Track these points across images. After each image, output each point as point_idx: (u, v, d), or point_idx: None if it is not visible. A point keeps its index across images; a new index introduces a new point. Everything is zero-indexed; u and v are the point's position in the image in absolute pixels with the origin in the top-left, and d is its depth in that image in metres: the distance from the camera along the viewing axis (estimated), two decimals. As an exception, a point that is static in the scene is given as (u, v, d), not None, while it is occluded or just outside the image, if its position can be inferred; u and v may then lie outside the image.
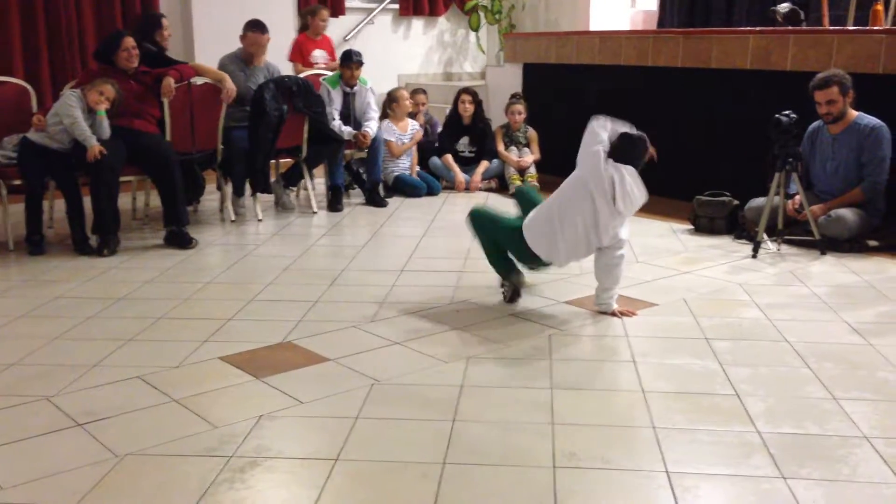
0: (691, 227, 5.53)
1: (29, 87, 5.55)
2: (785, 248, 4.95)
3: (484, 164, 7.01)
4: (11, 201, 5.17)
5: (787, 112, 4.83)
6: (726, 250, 5.01)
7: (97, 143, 4.87)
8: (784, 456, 2.54)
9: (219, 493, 2.35)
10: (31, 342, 3.53)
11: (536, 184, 6.77)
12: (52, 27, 6.91)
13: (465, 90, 7.15)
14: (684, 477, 2.42)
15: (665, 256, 4.90)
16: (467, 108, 7.02)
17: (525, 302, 4.06)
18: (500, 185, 6.98)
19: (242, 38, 6.13)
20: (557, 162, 7.14)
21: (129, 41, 5.24)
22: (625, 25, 8.57)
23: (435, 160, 7.07)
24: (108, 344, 3.50)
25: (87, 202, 5.03)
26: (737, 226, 5.31)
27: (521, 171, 6.87)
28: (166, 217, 5.24)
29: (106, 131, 4.99)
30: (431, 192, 6.80)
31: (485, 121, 7.19)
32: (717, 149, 6.12)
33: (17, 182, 5.11)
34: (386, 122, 6.86)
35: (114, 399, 2.97)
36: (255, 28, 6.10)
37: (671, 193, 6.24)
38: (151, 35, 5.84)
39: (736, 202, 5.41)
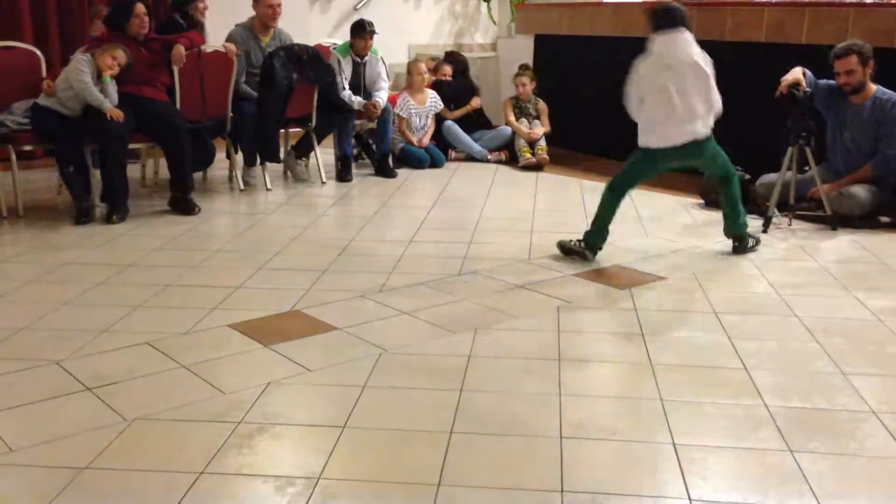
0: (702, 201, 5.49)
1: (38, 52, 5.52)
2: (796, 223, 4.92)
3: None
4: (21, 167, 5.17)
5: (801, 86, 4.77)
6: (737, 225, 4.98)
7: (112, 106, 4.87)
8: (791, 429, 2.54)
9: (226, 458, 2.37)
10: (41, 307, 3.54)
11: (546, 156, 6.73)
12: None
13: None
14: (691, 449, 2.42)
15: (674, 230, 4.87)
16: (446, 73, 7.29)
17: (534, 274, 4.05)
18: (510, 156, 6.94)
19: (255, 4, 6.07)
20: (568, 134, 7.12)
21: (141, 7, 5.20)
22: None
23: (449, 124, 7.04)
24: (118, 310, 3.52)
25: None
26: (748, 200, 5.25)
27: (532, 144, 6.83)
28: (172, 183, 5.27)
29: (113, 98, 4.98)
30: (434, 164, 6.77)
31: (459, 76, 7.29)
32: (730, 122, 6.04)
33: (28, 147, 5.11)
34: (403, 95, 6.82)
35: (123, 364, 2.98)
36: None
37: (683, 168, 6.20)
38: (184, 7, 5.81)
39: (747, 177, 5.36)
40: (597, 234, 4.23)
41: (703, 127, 4.10)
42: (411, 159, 6.74)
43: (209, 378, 2.88)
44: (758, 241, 4.39)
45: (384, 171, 6.46)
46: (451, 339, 3.24)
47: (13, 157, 5.04)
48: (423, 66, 6.96)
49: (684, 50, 4.01)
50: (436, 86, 7.12)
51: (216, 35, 6.83)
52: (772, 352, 3.14)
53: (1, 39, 5.98)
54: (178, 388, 2.81)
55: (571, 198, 5.73)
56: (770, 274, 4.06)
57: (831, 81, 4.98)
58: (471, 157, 7.02)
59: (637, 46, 6.60)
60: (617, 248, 4.47)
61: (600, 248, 4.24)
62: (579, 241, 4.24)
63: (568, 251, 4.25)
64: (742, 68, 5.97)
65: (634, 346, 3.20)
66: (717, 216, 5.18)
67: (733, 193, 4.31)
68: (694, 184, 5.66)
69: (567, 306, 3.62)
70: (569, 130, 7.12)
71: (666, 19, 4.02)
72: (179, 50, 5.30)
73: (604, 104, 7.09)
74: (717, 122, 6.06)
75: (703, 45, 6.14)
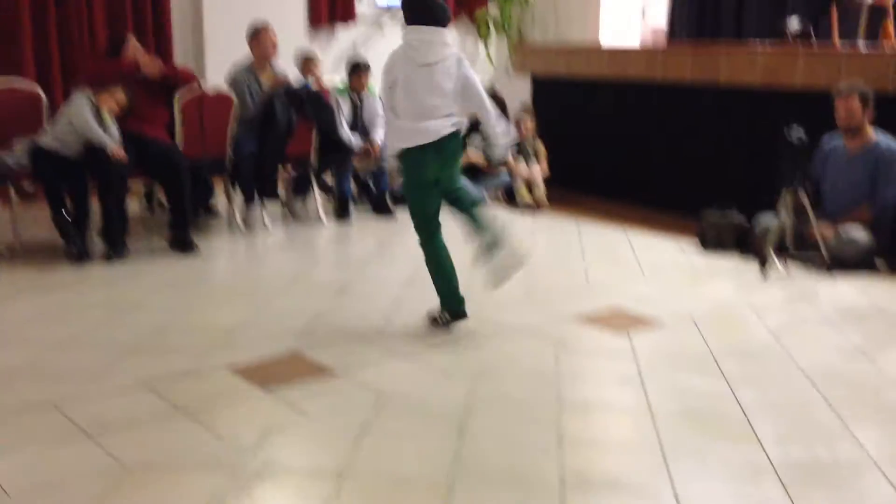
0: (698, 243, 5.51)
1: (40, 90, 5.56)
2: (793, 267, 4.93)
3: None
4: (20, 206, 5.17)
5: (796, 129, 4.83)
6: (734, 268, 5.00)
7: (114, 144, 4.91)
8: (792, 479, 2.53)
9: (226, 506, 2.35)
10: (40, 347, 3.53)
11: (544, 197, 6.77)
12: (62, 27, 6.90)
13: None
14: (692, 499, 2.41)
15: (671, 273, 4.89)
16: None
17: (532, 316, 4.05)
18: (507, 197, 6.97)
19: (252, 41, 6.09)
20: (566, 175, 7.17)
21: (133, 40, 5.30)
22: (635, 39, 8.58)
23: None
24: (116, 351, 3.50)
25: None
26: (745, 243, 5.29)
27: (530, 185, 6.87)
28: (172, 222, 5.27)
29: (114, 135, 5.01)
30: None
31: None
32: (726, 164, 6.11)
33: (27, 186, 5.12)
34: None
35: (121, 408, 2.97)
36: (265, 28, 6.06)
37: (678, 209, 6.25)
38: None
39: (744, 219, 5.40)
40: (448, 296, 3.90)
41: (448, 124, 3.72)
42: (409, 198, 6.75)
43: (207, 423, 2.86)
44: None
45: (382, 209, 6.49)
46: (451, 384, 3.24)
47: (13, 195, 5.05)
48: None
49: (429, 46, 3.68)
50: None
51: (215, 74, 6.91)
52: (772, 399, 3.14)
53: (3, 74, 6.05)
54: (177, 434, 2.79)
55: (570, 239, 5.75)
56: (769, 319, 4.06)
57: (828, 141, 5.07)
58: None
59: (633, 89, 6.75)
60: (615, 291, 4.48)
61: (462, 309, 3.89)
62: (442, 312, 3.91)
63: (435, 323, 3.91)
64: (737, 111, 6.05)
65: (634, 391, 3.20)
66: (714, 258, 5.22)
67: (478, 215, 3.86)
68: (691, 227, 5.69)
69: (565, 349, 3.62)
70: (567, 171, 7.16)
71: (413, 12, 3.69)
72: (149, 60, 5.35)
73: (602, 145, 7.17)
74: (713, 164, 6.15)
75: (699, 87, 6.28)
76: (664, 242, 5.65)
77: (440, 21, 3.71)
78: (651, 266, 5.03)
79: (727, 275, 4.87)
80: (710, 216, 5.48)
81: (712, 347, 3.66)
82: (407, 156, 3.76)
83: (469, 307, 4.18)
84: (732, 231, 5.37)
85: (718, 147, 6.21)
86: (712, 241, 5.43)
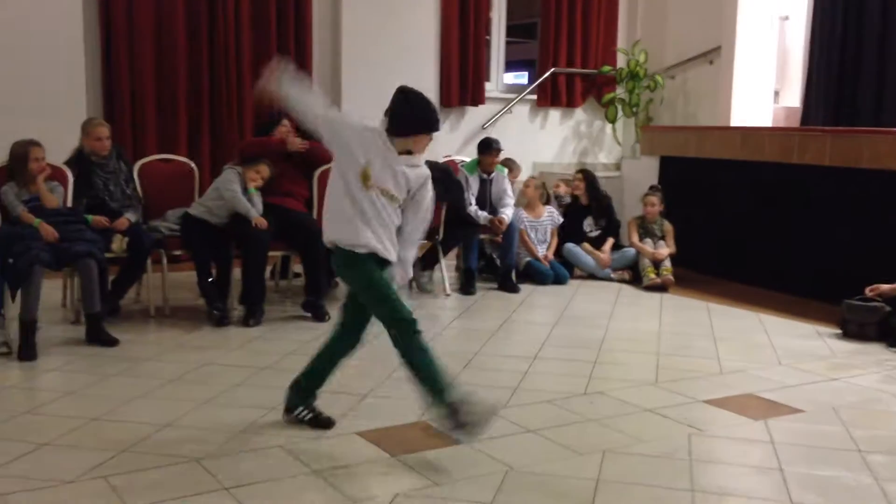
0: (839, 331, 5.27)
1: (193, 164, 5.97)
2: (944, 358, 4.65)
3: (610, 241, 7.07)
4: (170, 270, 5.51)
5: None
6: (878, 358, 4.75)
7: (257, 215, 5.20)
8: (954, 586, 2.35)
9: (357, 569, 2.38)
10: (183, 405, 3.71)
11: (671, 277, 6.66)
12: (213, 109, 7.40)
13: (576, 173, 7.42)
14: None
15: (811, 361, 4.68)
16: (578, 187, 7.25)
17: (662, 398, 3.96)
18: (634, 276, 6.90)
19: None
20: (694, 256, 7.04)
21: (286, 121, 5.64)
22: (766, 121, 8.43)
23: (569, 246, 7.09)
24: (253, 411, 3.64)
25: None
26: (890, 333, 5.03)
27: (656, 264, 6.78)
28: (307, 287, 5.51)
29: (258, 207, 5.31)
30: (559, 280, 6.79)
31: (601, 196, 7.24)
32: (868, 251, 5.86)
33: (177, 252, 5.46)
34: (518, 209, 6.97)
35: (258, 466, 3.07)
36: None
37: (817, 295, 6.02)
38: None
39: (888, 308, 5.14)
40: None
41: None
42: (535, 275, 6.79)
43: (340, 485, 2.92)
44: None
45: (507, 285, 6.53)
46: (579, 461, 3.19)
47: (164, 260, 5.39)
48: (531, 182, 7.20)
49: None
50: (573, 210, 7.27)
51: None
52: (925, 497, 2.94)
53: (161, 150, 6.54)
54: (310, 494, 2.86)
55: (698, 320, 5.61)
56: (918, 412, 3.83)
57: None
58: (594, 276, 7.02)
59: (766, 171, 6.62)
60: (749, 376, 4.33)
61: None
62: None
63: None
64: (880, 195, 5.82)
65: (772, 482, 3.06)
66: (856, 347, 4.97)
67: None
68: (827, 312, 5.46)
69: (699, 434, 3.51)
70: (694, 252, 7.04)
71: None
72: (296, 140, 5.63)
73: (731, 226, 7.03)
74: (854, 250, 5.90)
75: (837, 171, 6.08)
76: (800, 328, 5.43)
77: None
78: (787, 352, 4.84)
79: (870, 364, 4.62)
80: (852, 303, 5.24)
81: (856, 438, 3.47)
82: None
83: (597, 385, 4.13)
84: (876, 320, 5.12)
85: (861, 232, 5.96)
86: (854, 330, 5.18)
